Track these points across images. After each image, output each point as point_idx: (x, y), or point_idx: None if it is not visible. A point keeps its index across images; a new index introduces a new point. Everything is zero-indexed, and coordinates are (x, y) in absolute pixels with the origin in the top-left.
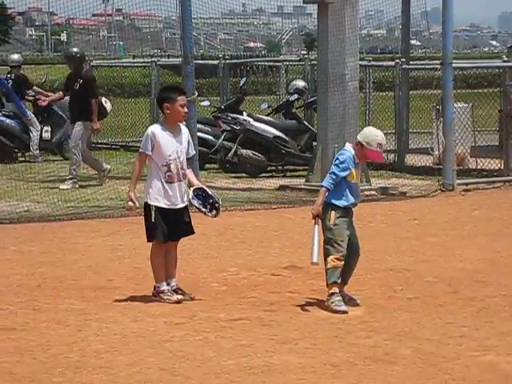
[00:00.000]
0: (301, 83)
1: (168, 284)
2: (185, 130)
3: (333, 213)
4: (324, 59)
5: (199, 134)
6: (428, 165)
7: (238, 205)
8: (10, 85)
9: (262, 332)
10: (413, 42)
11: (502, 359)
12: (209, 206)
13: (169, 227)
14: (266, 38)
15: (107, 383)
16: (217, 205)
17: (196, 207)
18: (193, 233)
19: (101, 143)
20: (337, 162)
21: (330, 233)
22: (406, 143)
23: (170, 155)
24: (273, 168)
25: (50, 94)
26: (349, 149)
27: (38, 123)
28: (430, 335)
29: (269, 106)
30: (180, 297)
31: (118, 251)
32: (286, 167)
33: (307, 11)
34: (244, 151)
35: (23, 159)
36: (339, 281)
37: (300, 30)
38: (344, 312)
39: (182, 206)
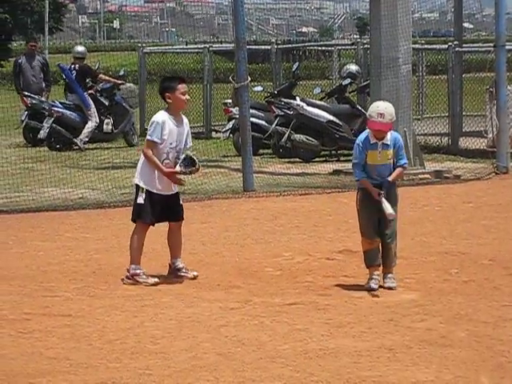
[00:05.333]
0: (353, 67)
1: (173, 264)
2: (186, 121)
3: (358, 196)
4: (377, 43)
5: (252, 119)
6: (482, 148)
7: (292, 190)
8: (73, 76)
9: (317, 316)
10: (465, 24)
11: None
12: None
13: (158, 211)
14: (318, 23)
15: (163, 369)
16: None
17: (180, 171)
18: (182, 219)
19: None
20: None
21: (358, 216)
22: (460, 126)
23: (171, 143)
24: (326, 152)
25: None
26: (365, 131)
27: (97, 115)
28: (486, 318)
29: (322, 91)
30: (156, 279)
31: None
32: (339, 151)
33: None
34: (297, 136)
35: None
36: (376, 263)
37: (352, 14)
38: (371, 289)
39: (174, 192)
